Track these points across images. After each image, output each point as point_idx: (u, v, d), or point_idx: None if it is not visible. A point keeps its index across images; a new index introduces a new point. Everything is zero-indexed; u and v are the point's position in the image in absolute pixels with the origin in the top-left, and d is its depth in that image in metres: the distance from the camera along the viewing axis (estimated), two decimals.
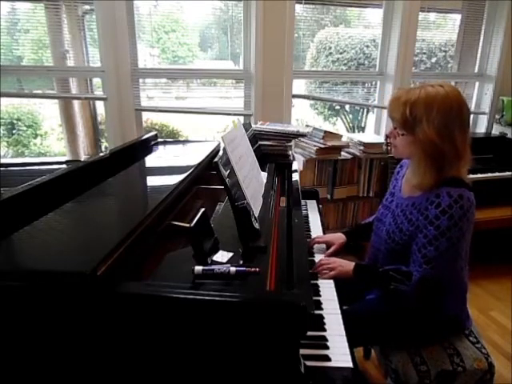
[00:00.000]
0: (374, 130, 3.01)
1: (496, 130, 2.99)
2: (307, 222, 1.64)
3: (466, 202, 1.07)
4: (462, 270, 1.21)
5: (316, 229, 1.61)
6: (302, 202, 1.71)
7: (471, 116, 3.25)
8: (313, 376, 0.83)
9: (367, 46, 3.35)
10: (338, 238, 1.47)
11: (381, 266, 1.26)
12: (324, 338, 0.98)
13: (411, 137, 1.12)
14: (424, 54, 3.09)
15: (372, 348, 1.73)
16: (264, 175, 1.47)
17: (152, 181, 1.37)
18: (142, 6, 2.39)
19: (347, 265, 1.26)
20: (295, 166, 1.78)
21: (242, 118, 2.59)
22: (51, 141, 3.72)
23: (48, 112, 3.61)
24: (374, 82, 2.99)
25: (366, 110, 3.92)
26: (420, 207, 1.15)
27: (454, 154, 1.09)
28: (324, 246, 1.47)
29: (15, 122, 3.50)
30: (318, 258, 1.40)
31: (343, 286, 1.22)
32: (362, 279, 1.28)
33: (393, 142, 1.20)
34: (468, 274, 1.25)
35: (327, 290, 1.20)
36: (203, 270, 0.84)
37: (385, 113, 2.90)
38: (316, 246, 1.45)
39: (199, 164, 1.41)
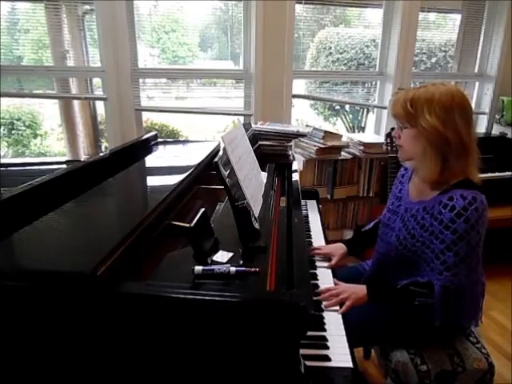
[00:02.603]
0: (374, 130, 3.01)
1: (496, 130, 2.99)
2: (307, 222, 1.64)
3: (480, 205, 1.05)
4: (482, 275, 1.18)
5: (316, 229, 1.61)
6: (302, 201, 1.71)
7: None
8: (313, 376, 0.83)
9: (367, 46, 3.34)
10: (339, 248, 1.43)
11: (390, 275, 1.23)
12: (324, 338, 0.98)
13: (415, 129, 1.10)
14: (424, 54, 3.09)
15: (372, 348, 1.73)
16: (264, 175, 1.47)
17: (152, 181, 1.37)
18: (142, 6, 2.39)
19: (359, 290, 1.18)
20: (295, 166, 1.78)
21: (242, 118, 2.59)
22: (51, 141, 3.72)
23: (48, 112, 3.61)
24: (374, 82, 2.99)
25: (365, 110, 3.92)
26: (433, 211, 1.11)
27: (458, 144, 1.07)
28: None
29: (15, 121, 3.50)
30: (318, 263, 1.37)
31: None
32: (378, 301, 1.21)
33: (398, 142, 1.19)
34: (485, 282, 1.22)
35: None
36: (203, 269, 0.84)
37: (385, 113, 2.90)
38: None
39: (199, 164, 1.41)
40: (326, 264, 1.37)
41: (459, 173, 1.10)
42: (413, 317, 1.18)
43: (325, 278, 1.29)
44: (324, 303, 1.13)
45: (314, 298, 1.14)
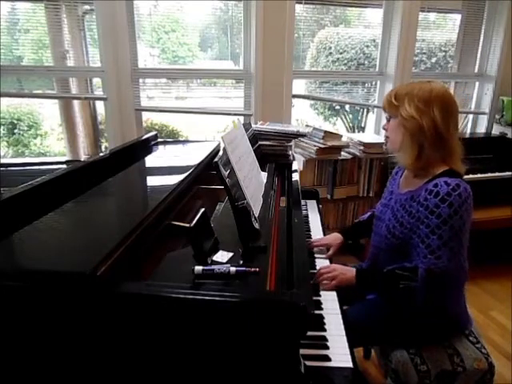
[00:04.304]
0: (374, 130, 3.01)
1: (496, 130, 2.99)
2: (307, 222, 1.64)
3: (464, 191, 1.09)
4: (465, 261, 1.20)
5: (316, 229, 1.61)
6: (302, 201, 1.71)
7: (471, 116, 3.25)
8: (313, 376, 0.83)
9: (367, 46, 3.34)
10: (335, 238, 1.49)
11: (383, 266, 1.25)
12: (324, 338, 0.98)
13: (397, 119, 1.19)
14: (424, 54, 3.09)
15: (372, 348, 1.73)
16: (264, 175, 1.47)
17: (152, 181, 1.37)
18: (142, 6, 2.39)
19: (349, 271, 1.25)
20: (295, 166, 1.78)
21: (242, 118, 2.59)
22: (51, 141, 3.72)
23: (48, 112, 3.61)
24: (374, 82, 2.99)
25: (365, 110, 3.91)
26: (419, 199, 1.16)
27: (433, 133, 1.13)
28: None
29: (16, 122, 3.50)
30: (317, 254, 1.41)
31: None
32: (365, 284, 1.26)
33: (386, 134, 1.28)
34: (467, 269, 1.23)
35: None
36: (203, 269, 0.84)
37: None
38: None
39: (199, 164, 1.41)
40: (323, 255, 1.43)
41: (437, 162, 1.17)
42: (398, 300, 1.21)
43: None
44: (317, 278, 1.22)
45: (314, 298, 1.14)
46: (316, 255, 1.42)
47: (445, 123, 1.14)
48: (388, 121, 1.25)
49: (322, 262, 1.38)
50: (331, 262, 1.39)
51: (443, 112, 1.14)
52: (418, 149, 1.16)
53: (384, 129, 1.29)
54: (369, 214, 1.57)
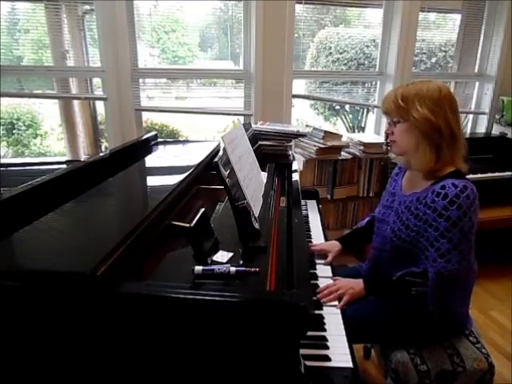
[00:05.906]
0: (374, 130, 3.01)
1: (496, 130, 2.99)
2: (307, 222, 1.64)
3: (471, 193, 1.09)
4: (474, 262, 1.20)
5: (316, 229, 1.61)
6: (302, 202, 1.71)
7: (471, 116, 3.25)
8: (313, 376, 0.83)
9: (367, 46, 3.34)
10: (334, 245, 1.45)
11: (384, 268, 1.24)
12: (324, 338, 0.98)
13: (407, 123, 1.15)
14: (424, 54, 3.09)
15: (372, 348, 1.73)
16: (264, 175, 1.47)
17: (152, 181, 1.37)
18: (142, 6, 2.39)
19: (356, 285, 1.22)
20: (295, 166, 1.78)
21: (241, 118, 2.59)
22: (51, 141, 3.72)
23: (48, 112, 3.61)
24: (373, 82, 3.00)
25: (365, 110, 3.92)
26: (426, 200, 1.14)
27: (449, 133, 1.12)
28: None
29: (15, 121, 3.50)
30: (317, 260, 1.39)
31: None
32: (376, 294, 1.24)
33: (391, 138, 1.23)
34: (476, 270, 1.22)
35: None
36: (203, 269, 0.84)
37: None
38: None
39: (199, 164, 1.41)
40: (322, 261, 1.40)
41: (451, 161, 1.15)
42: (409, 304, 1.20)
43: (324, 276, 1.29)
44: (322, 299, 1.16)
45: (314, 298, 1.14)
46: (316, 260, 1.39)
47: (455, 121, 1.14)
48: (393, 124, 1.20)
49: (322, 269, 1.35)
50: (332, 267, 1.36)
51: (453, 110, 1.14)
52: (436, 151, 1.14)
53: (387, 133, 1.24)
54: (367, 219, 1.54)
